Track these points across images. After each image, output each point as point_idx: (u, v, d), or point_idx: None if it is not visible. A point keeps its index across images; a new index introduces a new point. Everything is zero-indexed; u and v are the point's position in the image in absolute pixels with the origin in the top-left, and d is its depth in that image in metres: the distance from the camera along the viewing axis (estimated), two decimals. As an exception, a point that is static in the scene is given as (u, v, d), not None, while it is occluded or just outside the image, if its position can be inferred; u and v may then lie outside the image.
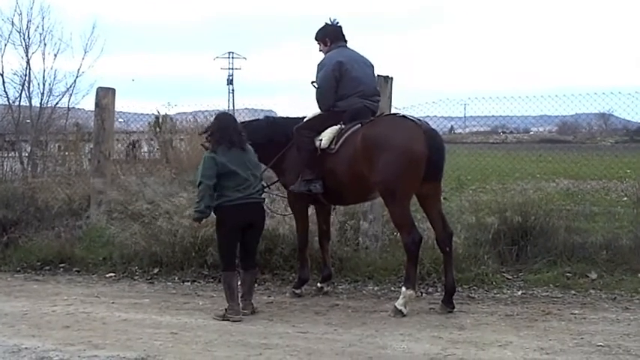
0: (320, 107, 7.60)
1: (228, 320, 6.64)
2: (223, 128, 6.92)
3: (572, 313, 6.88)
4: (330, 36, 7.76)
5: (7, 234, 9.65)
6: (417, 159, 6.70)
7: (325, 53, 7.73)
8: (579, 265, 8.16)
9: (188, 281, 8.38)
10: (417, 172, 6.74)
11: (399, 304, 6.81)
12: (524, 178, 12.52)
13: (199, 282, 8.36)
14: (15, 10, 16.61)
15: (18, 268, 9.17)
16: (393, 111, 9.23)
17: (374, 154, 6.81)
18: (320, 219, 7.96)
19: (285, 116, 8.50)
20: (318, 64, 7.65)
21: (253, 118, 8.83)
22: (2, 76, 16.02)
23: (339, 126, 7.34)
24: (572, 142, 17.09)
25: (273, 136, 7.71)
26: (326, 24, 7.82)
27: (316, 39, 7.86)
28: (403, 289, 6.86)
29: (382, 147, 6.78)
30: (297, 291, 7.68)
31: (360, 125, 7.16)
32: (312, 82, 7.68)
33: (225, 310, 6.75)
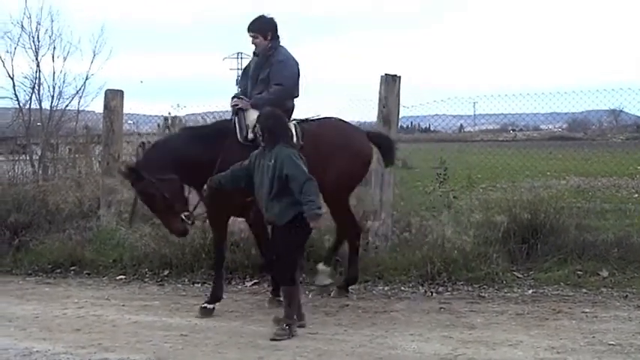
0: (278, 106, 6.92)
1: (289, 337, 6.09)
2: (284, 125, 6.45)
3: (583, 312, 6.84)
4: (273, 30, 7.37)
5: (19, 237, 9.69)
6: (369, 161, 7.57)
7: (263, 47, 7.31)
8: (590, 263, 8.11)
9: (198, 283, 8.39)
10: (365, 173, 7.75)
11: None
12: (534, 176, 12.47)
13: (209, 284, 8.29)
14: (24, 14, 16.65)
15: (29, 271, 9.20)
16: (401, 110, 9.24)
17: (329, 156, 7.06)
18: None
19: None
20: (280, 61, 7.28)
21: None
22: (13, 79, 16.08)
23: (293, 124, 7.08)
24: (582, 139, 17.01)
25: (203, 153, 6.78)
26: (264, 16, 7.40)
27: (255, 30, 7.33)
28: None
29: (338, 149, 7.18)
30: (210, 306, 6.99)
31: (301, 126, 7.16)
32: (262, 78, 7.30)
33: (289, 326, 6.18)
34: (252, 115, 6.92)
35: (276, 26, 7.38)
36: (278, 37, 7.38)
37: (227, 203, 6.84)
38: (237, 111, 7.18)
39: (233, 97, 7.37)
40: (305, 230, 6.24)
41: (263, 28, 7.33)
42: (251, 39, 7.35)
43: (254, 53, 7.48)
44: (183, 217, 6.62)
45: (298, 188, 6.00)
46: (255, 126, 6.66)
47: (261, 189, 6.21)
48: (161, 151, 6.82)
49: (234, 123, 7.10)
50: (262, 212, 6.32)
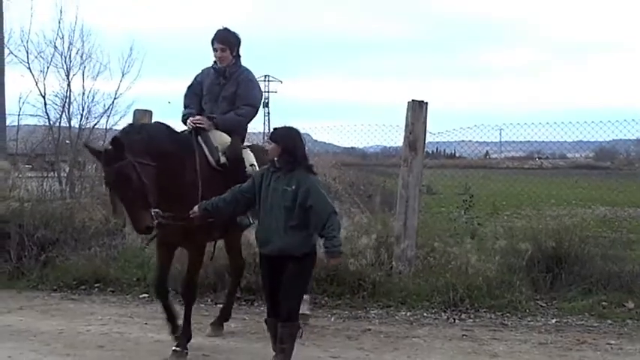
0: (244, 128, 6.94)
1: None
2: (304, 146, 5.77)
3: (608, 344, 6.77)
4: (238, 46, 6.93)
5: (46, 253, 9.79)
6: None
7: (227, 62, 6.83)
8: (616, 294, 8.04)
9: (221, 304, 8.40)
10: None
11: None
12: (559, 205, 12.40)
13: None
14: (57, 34, 16.93)
15: (55, 287, 9.29)
16: (427, 136, 9.24)
17: None
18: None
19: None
20: (249, 80, 6.92)
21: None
22: (44, 97, 16.33)
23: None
24: (609, 168, 16.87)
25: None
26: (232, 30, 6.90)
27: (225, 43, 6.81)
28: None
29: None
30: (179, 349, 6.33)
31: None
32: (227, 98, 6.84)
33: None
34: (223, 138, 6.57)
35: (240, 43, 6.95)
36: (239, 54, 6.95)
37: (213, 227, 6.24)
38: (199, 131, 6.55)
39: (186, 115, 6.74)
40: (311, 268, 5.80)
41: (232, 42, 6.86)
42: (218, 51, 6.80)
43: (214, 68, 6.91)
44: (154, 214, 5.66)
45: (321, 221, 5.40)
46: (225, 150, 6.41)
47: (270, 215, 5.50)
48: (146, 134, 5.95)
49: (200, 144, 6.46)
50: (259, 239, 5.61)
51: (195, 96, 6.98)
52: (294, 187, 5.43)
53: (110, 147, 5.63)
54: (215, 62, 6.91)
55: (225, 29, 6.86)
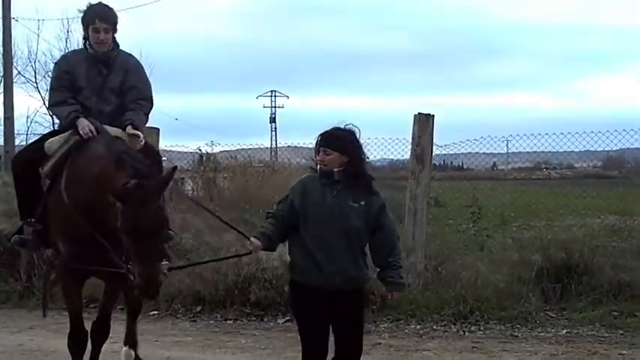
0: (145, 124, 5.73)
1: None
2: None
3: (620, 354, 6.75)
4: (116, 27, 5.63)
5: (56, 272, 9.81)
6: None
7: (107, 46, 5.52)
8: (626, 304, 8.01)
9: (230, 320, 8.42)
10: None
11: None
12: (568, 215, 12.37)
13: (242, 320, 8.39)
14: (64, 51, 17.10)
15: (64, 306, 9.29)
16: (434, 149, 9.27)
17: None
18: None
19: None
20: (137, 66, 5.74)
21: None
22: (52, 117, 16.45)
23: None
24: (617, 177, 16.86)
25: None
26: (108, 5, 5.60)
27: (110, 23, 5.49)
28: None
29: None
30: None
31: None
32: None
33: None
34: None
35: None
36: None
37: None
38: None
39: (73, 114, 5.31)
40: None
41: (115, 21, 5.57)
42: (101, 33, 5.44)
43: (91, 54, 5.53)
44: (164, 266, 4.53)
45: (388, 246, 4.53)
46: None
47: (329, 238, 4.39)
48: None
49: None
50: (306, 268, 4.45)
51: (67, 90, 5.52)
52: (362, 204, 4.47)
53: (150, 181, 4.39)
54: (87, 46, 5.57)
55: (107, 6, 5.55)
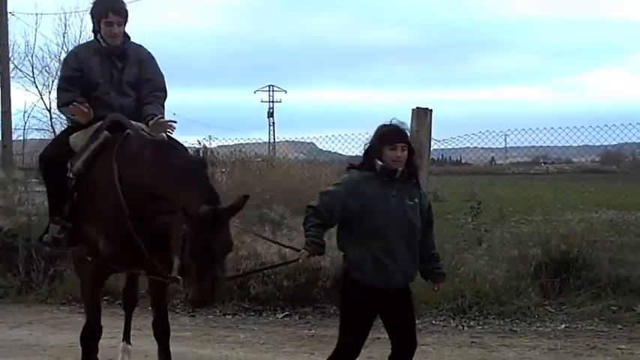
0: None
1: None
2: None
3: (618, 348, 6.76)
4: None
5: (54, 267, 9.81)
6: None
7: (120, 38, 5.44)
8: (625, 299, 8.01)
9: (229, 314, 8.42)
10: None
11: None
12: (566, 209, 12.38)
13: (240, 315, 8.39)
14: (62, 48, 17.09)
15: (63, 301, 9.30)
16: (432, 144, 9.25)
17: None
18: None
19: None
20: (150, 57, 5.62)
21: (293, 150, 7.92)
22: (50, 111, 16.45)
23: None
24: (615, 171, 16.88)
25: None
26: None
27: (124, 15, 5.42)
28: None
29: None
30: None
31: None
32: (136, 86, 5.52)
33: None
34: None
35: None
36: None
37: None
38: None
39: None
40: None
41: (127, 15, 5.46)
42: (114, 26, 5.34)
43: (104, 48, 5.41)
44: None
45: (432, 240, 4.62)
46: None
47: (392, 237, 4.35)
48: None
49: None
50: (368, 270, 4.36)
51: (77, 89, 5.41)
52: (416, 201, 4.44)
53: (224, 208, 4.32)
54: (99, 40, 5.45)
55: None
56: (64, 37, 17.14)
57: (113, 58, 5.41)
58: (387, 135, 4.40)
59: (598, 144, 10.82)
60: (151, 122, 5.23)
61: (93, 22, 5.43)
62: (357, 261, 4.38)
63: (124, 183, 4.75)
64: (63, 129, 5.70)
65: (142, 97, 5.47)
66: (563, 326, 7.55)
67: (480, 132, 10.56)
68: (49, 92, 16.62)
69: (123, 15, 5.36)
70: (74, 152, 5.18)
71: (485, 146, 11.92)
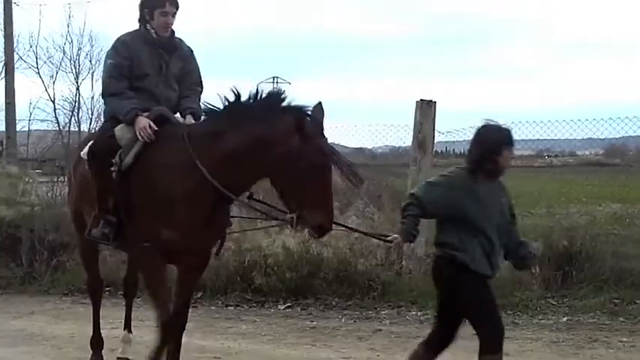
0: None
1: None
2: None
3: (620, 341, 6.75)
4: None
5: (57, 257, 9.83)
6: None
7: (172, 32, 5.39)
8: (627, 291, 8.00)
9: (231, 306, 8.43)
10: None
11: None
12: (569, 202, 12.36)
13: (243, 306, 8.40)
14: (66, 39, 17.05)
15: (66, 291, 9.33)
16: (436, 136, 9.24)
17: None
18: None
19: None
20: (192, 53, 5.57)
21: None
22: (54, 102, 16.44)
23: None
24: (619, 165, 16.81)
25: None
26: None
27: (177, 7, 5.32)
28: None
29: None
30: None
31: None
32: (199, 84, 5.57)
33: None
34: None
35: None
36: None
37: None
38: None
39: (133, 110, 5.10)
40: None
41: (179, 7, 5.36)
42: (169, 17, 5.26)
43: (154, 39, 5.29)
44: None
45: (517, 235, 4.79)
46: None
47: (493, 233, 4.57)
48: None
49: None
50: (479, 261, 4.55)
51: (125, 79, 5.27)
52: (505, 199, 4.74)
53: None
54: (148, 30, 5.32)
55: None
56: (68, 27, 17.10)
57: (161, 50, 5.32)
58: (509, 139, 4.71)
59: (602, 137, 10.78)
60: (188, 117, 5.28)
61: (143, 11, 5.30)
62: (475, 254, 4.53)
63: (210, 163, 4.74)
64: (103, 122, 5.54)
65: (181, 90, 5.46)
66: (565, 319, 7.54)
67: (485, 125, 10.50)
68: (54, 83, 16.58)
69: (178, 7, 5.29)
70: (119, 145, 5.10)
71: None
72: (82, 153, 5.44)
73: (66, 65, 17.05)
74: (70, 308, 8.58)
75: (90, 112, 16.95)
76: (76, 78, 17.10)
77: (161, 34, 5.28)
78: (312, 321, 7.73)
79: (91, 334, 6.24)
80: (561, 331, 7.11)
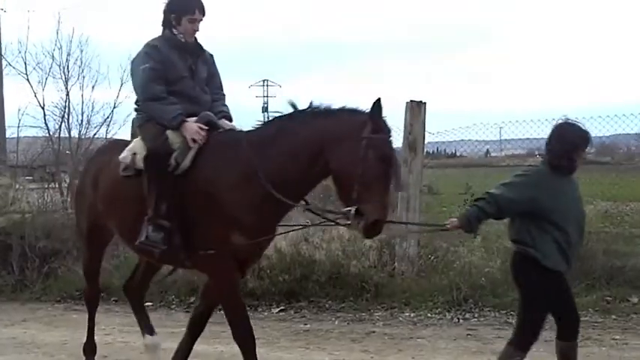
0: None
1: None
2: None
3: (613, 339, 6.77)
4: None
5: (48, 264, 9.80)
6: None
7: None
8: (619, 289, 8.03)
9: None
10: None
11: None
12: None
13: (236, 310, 8.36)
14: (55, 44, 16.92)
15: (58, 298, 9.29)
16: (427, 137, 9.25)
17: None
18: None
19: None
20: (213, 57, 5.65)
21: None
22: (43, 108, 16.32)
23: None
24: (609, 163, 16.86)
25: None
26: None
27: (204, 13, 5.39)
28: None
29: None
30: None
31: None
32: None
33: None
34: None
35: None
36: None
37: None
38: None
39: (182, 120, 5.12)
40: None
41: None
42: (197, 23, 5.34)
43: (182, 43, 5.35)
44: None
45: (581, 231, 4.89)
46: None
47: (572, 228, 4.71)
48: None
49: None
50: (557, 259, 4.68)
51: (163, 83, 5.29)
52: (578, 195, 4.91)
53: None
54: (175, 34, 5.36)
55: None
56: (57, 33, 16.98)
57: (187, 55, 5.37)
58: (590, 140, 4.96)
59: (592, 135, 10.80)
60: (222, 120, 5.32)
61: (169, 15, 5.35)
62: (546, 250, 4.63)
63: (268, 169, 4.76)
64: (140, 124, 5.42)
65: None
66: (558, 318, 7.54)
67: (475, 124, 10.55)
68: (43, 89, 16.47)
69: (204, 14, 5.35)
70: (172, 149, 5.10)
71: (480, 139, 11.91)
72: (120, 157, 5.37)
73: (55, 71, 16.94)
74: (63, 315, 8.55)
75: (80, 118, 16.85)
76: (66, 84, 16.98)
77: (187, 39, 5.35)
78: (305, 324, 7.72)
79: (85, 340, 6.23)
80: (554, 330, 7.10)
